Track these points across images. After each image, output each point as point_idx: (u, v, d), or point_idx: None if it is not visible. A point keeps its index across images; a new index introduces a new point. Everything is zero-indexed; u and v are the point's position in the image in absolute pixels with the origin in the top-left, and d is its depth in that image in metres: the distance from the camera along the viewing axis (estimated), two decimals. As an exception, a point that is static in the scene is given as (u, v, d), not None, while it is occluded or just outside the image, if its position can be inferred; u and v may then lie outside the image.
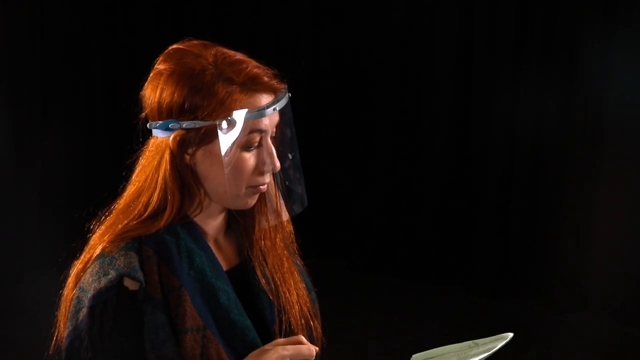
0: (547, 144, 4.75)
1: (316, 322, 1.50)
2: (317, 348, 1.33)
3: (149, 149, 1.38)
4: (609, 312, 4.52)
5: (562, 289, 4.69)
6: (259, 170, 1.36)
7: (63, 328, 1.36)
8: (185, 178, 1.35)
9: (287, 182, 1.43)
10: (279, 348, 1.30)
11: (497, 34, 4.84)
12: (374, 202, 5.38)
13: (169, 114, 1.33)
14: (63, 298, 1.39)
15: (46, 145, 5.27)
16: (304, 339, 1.33)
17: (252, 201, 1.39)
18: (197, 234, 1.38)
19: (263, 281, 1.44)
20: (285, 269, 1.48)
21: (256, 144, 1.35)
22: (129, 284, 1.31)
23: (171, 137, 1.33)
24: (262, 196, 1.41)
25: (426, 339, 4.34)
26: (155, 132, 1.36)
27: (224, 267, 1.41)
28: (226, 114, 1.31)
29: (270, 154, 1.36)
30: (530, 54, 4.74)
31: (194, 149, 1.34)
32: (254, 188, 1.37)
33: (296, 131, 1.42)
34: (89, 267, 1.34)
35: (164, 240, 1.34)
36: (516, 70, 4.79)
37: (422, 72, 5.15)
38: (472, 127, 5.00)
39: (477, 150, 4.97)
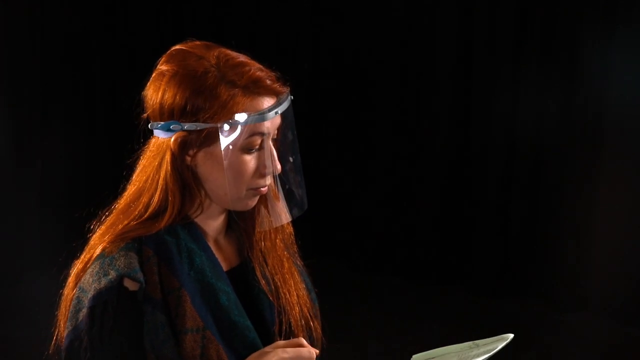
0: (547, 144, 4.75)
1: (316, 323, 1.50)
2: (317, 351, 1.33)
3: (150, 149, 1.38)
4: (609, 312, 4.52)
5: (562, 289, 4.69)
6: (259, 172, 1.36)
7: (63, 328, 1.37)
8: (185, 179, 1.35)
9: (287, 185, 1.43)
10: (279, 350, 1.30)
11: (497, 34, 4.83)
12: (374, 202, 5.38)
13: (170, 115, 1.33)
14: (63, 298, 1.39)
15: (46, 145, 5.26)
16: (304, 341, 1.33)
17: (253, 203, 1.39)
18: (198, 234, 1.38)
19: (263, 282, 1.44)
20: (286, 270, 1.48)
21: (257, 147, 1.35)
22: (129, 284, 1.31)
23: (172, 138, 1.33)
24: (263, 198, 1.42)
25: (426, 339, 4.34)
26: (156, 132, 1.36)
27: (224, 268, 1.41)
28: (228, 116, 1.31)
29: (271, 156, 1.36)
30: (530, 54, 4.74)
31: (195, 150, 1.34)
32: (254, 190, 1.37)
33: (297, 133, 1.42)
34: (89, 267, 1.34)
35: (164, 240, 1.35)
36: (516, 70, 4.79)
37: (422, 72, 5.15)
38: (472, 127, 5.00)
39: (477, 150, 4.97)
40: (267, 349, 1.32)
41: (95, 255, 1.35)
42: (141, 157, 1.40)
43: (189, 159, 1.35)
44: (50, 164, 5.28)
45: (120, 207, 1.39)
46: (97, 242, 1.36)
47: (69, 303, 1.35)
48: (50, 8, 5.24)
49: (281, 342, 1.33)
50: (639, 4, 4.40)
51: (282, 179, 1.43)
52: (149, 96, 1.37)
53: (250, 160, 1.35)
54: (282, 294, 1.45)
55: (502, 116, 4.84)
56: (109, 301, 1.29)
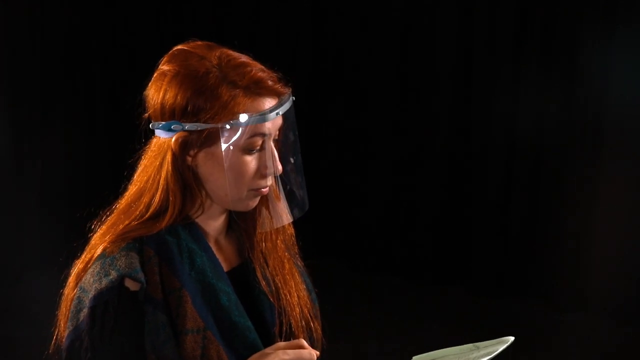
0: (547, 144, 4.75)
1: (316, 324, 1.50)
2: (317, 352, 1.33)
3: (152, 149, 1.38)
4: (609, 312, 4.52)
5: (562, 289, 4.68)
6: (260, 173, 1.36)
7: (63, 328, 1.36)
8: (186, 179, 1.35)
9: (288, 186, 1.43)
10: (280, 352, 1.30)
11: (497, 34, 4.83)
12: (374, 202, 5.38)
13: (171, 115, 1.33)
14: (63, 298, 1.39)
15: (46, 145, 5.26)
16: (305, 343, 1.33)
17: (254, 203, 1.39)
18: (199, 234, 1.38)
19: (263, 283, 1.44)
20: (286, 271, 1.48)
21: (258, 147, 1.34)
22: (130, 284, 1.30)
23: (173, 139, 1.33)
24: (264, 198, 1.41)
25: (426, 339, 4.34)
26: (157, 132, 1.36)
27: (225, 268, 1.41)
28: (229, 117, 1.31)
29: (273, 157, 1.36)
30: (530, 54, 4.74)
31: (195, 150, 1.34)
32: (255, 191, 1.37)
33: (298, 134, 1.42)
34: (90, 267, 1.34)
35: (165, 240, 1.34)
36: (516, 70, 4.79)
37: (422, 72, 5.14)
38: (472, 127, 5.00)
39: (477, 150, 4.97)
40: (267, 350, 1.32)
41: (96, 255, 1.35)
42: (142, 157, 1.39)
43: (189, 159, 1.35)
44: (50, 164, 5.28)
45: (121, 207, 1.39)
46: (98, 242, 1.36)
47: (69, 303, 1.35)
48: (50, 8, 5.24)
49: (282, 344, 1.33)
50: (639, 4, 4.40)
51: (283, 179, 1.42)
52: (150, 96, 1.37)
53: (251, 160, 1.34)
54: (283, 295, 1.45)
55: (502, 116, 4.84)
56: (110, 301, 1.29)
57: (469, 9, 4.94)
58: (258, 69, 1.35)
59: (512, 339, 1.35)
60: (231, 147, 1.32)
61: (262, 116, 1.32)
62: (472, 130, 5.00)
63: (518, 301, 4.82)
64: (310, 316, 1.49)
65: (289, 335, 1.44)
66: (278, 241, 1.47)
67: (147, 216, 1.35)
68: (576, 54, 4.57)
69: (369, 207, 5.40)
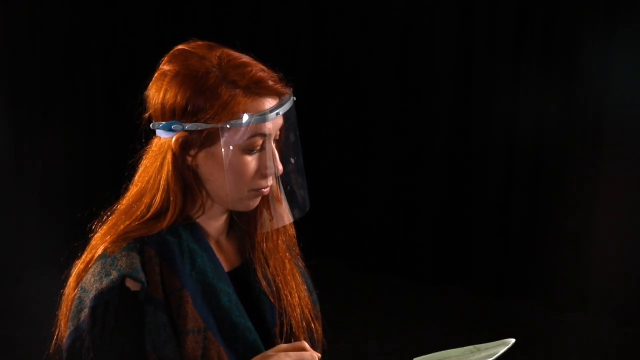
0: (547, 144, 4.75)
1: (317, 325, 1.50)
2: (319, 355, 1.33)
3: (152, 149, 1.38)
4: (609, 312, 4.52)
5: (562, 289, 4.68)
6: (261, 173, 1.35)
7: (64, 328, 1.36)
8: (187, 179, 1.35)
9: (289, 186, 1.43)
10: (282, 354, 1.29)
11: (497, 34, 4.83)
12: (374, 202, 5.38)
13: (172, 115, 1.33)
14: (64, 297, 1.39)
15: (46, 145, 5.26)
16: (307, 345, 1.32)
17: (254, 203, 1.39)
18: (199, 235, 1.38)
19: (264, 283, 1.44)
20: (287, 271, 1.47)
21: (258, 148, 1.34)
22: (130, 284, 1.30)
23: (173, 139, 1.33)
24: (265, 199, 1.41)
25: (426, 339, 4.34)
26: (158, 132, 1.36)
27: (226, 268, 1.41)
28: (229, 117, 1.31)
29: (273, 157, 1.35)
30: (530, 54, 4.74)
31: (196, 150, 1.34)
32: (256, 191, 1.37)
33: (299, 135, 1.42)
34: (90, 267, 1.34)
35: (166, 241, 1.34)
36: (516, 70, 4.79)
37: (422, 72, 5.14)
38: (472, 127, 5.00)
39: (477, 150, 4.97)
40: (269, 352, 1.32)
41: (97, 255, 1.34)
42: (143, 157, 1.39)
43: (190, 159, 1.35)
44: (50, 164, 5.28)
45: (122, 207, 1.39)
46: (99, 242, 1.36)
47: (70, 303, 1.35)
48: (50, 8, 5.24)
49: (283, 346, 1.33)
50: (639, 4, 4.40)
51: (284, 179, 1.42)
52: (151, 96, 1.37)
53: (252, 161, 1.34)
54: (284, 296, 1.45)
55: (502, 116, 4.84)
56: (111, 301, 1.29)
57: (469, 9, 4.94)
58: (258, 69, 1.34)
59: (513, 340, 1.34)
60: (231, 147, 1.32)
61: (262, 116, 1.32)
62: (472, 130, 5.00)
63: (518, 301, 4.82)
64: (311, 317, 1.49)
65: (290, 336, 1.43)
66: (279, 241, 1.47)
67: (148, 216, 1.35)
68: (576, 54, 4.57)
69: (369, 207, 5.39)
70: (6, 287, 4.82)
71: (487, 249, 4.96)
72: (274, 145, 1.36)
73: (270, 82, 1.34)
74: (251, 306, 1.41)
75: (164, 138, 1.35)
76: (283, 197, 1.43)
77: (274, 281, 1.45)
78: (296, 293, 1.47)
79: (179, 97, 1.32)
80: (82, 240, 1.41)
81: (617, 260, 4.50)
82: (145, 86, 1.39)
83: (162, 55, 1.39)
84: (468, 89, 5.00)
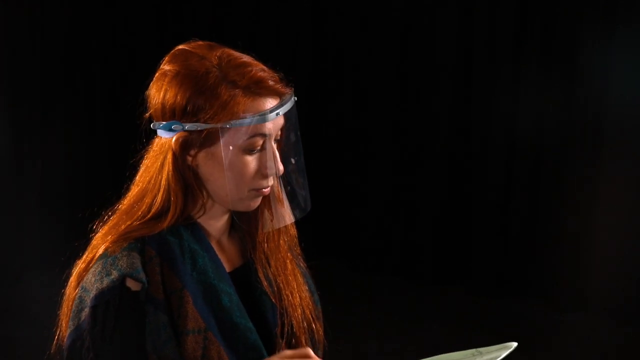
0: (547, 144, 4.75)
1: (318, 325, 1.50)
2: None
3: (153, 149, 1.38)
4: (609, 312, 4.52)
5: (562, 289, 4.69)
6: (261, 173, 1.35)
7: (65, 327, 1.36)
8: (187, 179, 1.35)
9: (290, 186, 1.43)
10: None
11: (497, 34, 4.83)
12: (374, 202, 5.38)
13: (172, 115, 1.33)
14: (65, 297, 1.39)
15: (46, 145, 5.26)
16: (311, 352, 1.32)
17: (255, 204, 1.39)
18: (201, 235, 1.38)
19: (265, 283, 1.44)
20: (289, 272, 1.47)
21: (259, 148, 1.34)
22: (131, 284, 1.30)
23: (174, 139, 1.33)
24: (266, 199, 1.41)
25: (426, 339, 4.34)
26: (159, 132, 1.36)
27: (227, 269, 1.41)
28: (228, 117, 1.31)
29: (274, 157, 1.35)
30: (530, 54, 4.74)
31: (196, 150, 1.34)
32: (256, 191, 1.36)
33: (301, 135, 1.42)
34: (91, 267, 1.34)
35: (167, 241, 1.34)
36: (516, 70, 4.79)
37: (422, 72, 5.14)
38: (472, 127, 5.00)
39: (477, 150, 4.97)
40: (273, 357, 1.32)
41: (98, 255, 1.34)
42: (145, 157, 1.39)
43: (190, 159, 1.34)
44: (50, 164, 5.28)
45: (123, 207, 1.39)
46: (100, 242, 1.36)
47: (71, 302, 1.35)
48: (50, 8, 5.24)
49: (288, 352, 1.33)
50: (639, 4, 4.40)
51: (285, 180, 1.42)
52: (151, 96, 1.37)
53: (252, 161, 1.34)
54: (285, 296, 1.45)
55: (502, 116, 4.84)
56: (111, 301, 1.29)
57: (469, 9, 4.94)
58: (259, 69, 1.34)
59: (515, 344, 1.33)
60: (231, 147, 1.32)
61: (262, 116, 1.31)
62: (472, 130, 5.00)
63: (518, 301, 4.82)
64: (312, 317, 1.49)
65: (291, 336, 1.43)
66: (281, 242, 1.47)
67: (149, 216, 1.35)
68: (576, 54, 4.57)
69: (369, 207, 5.39)
70: (6, 287, 4.82)
71: (487, 249, 4.96)
72: (274, 146, 1.36)
73: (271, 82, 1.34)
74: (252, 306, 1.40)
75: (165, 138, 1.35)
76: (284, 197, 1.42)
77: (275, 281, 1.45)
78: (297, 293, 1.47)
79: (179, 97, 1.32)
80: (84, 240, 1.41)
81: (617, 260, 4.50)
82: (145, 86, 1.39)
83: (162, 56, 1.40)
84: (468, 89, 5.00)
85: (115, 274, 1.30)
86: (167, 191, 1.35)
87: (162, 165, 1.35)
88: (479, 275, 5.00)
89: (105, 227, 1.38)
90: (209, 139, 1.32)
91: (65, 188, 5.37)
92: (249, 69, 1.33)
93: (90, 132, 5.62)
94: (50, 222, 5.14)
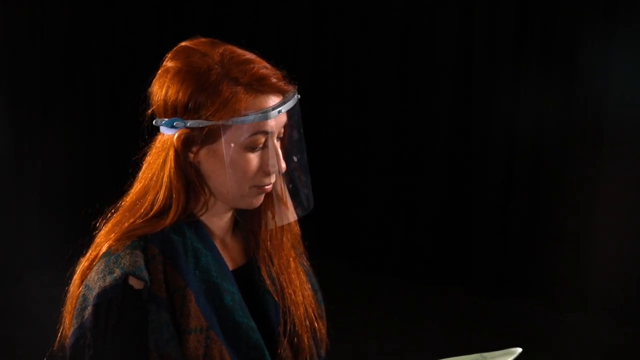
0: (547, 144, 4.75)
1: (321, 324, 1.50)
2: None
3: (156, 145, 1.38)
4: (609, 312, 4.52)
5: (562, 289, 4.69)
6: (263, 171, 1.35)
7: (68, 325, 1.36)
8: (189, 176, 1.35)
9: (293, 184, 1.42)
10: None
11: (497, 34, 4.84)
12: (374, 202, 5.38)
13: (174, 112, 1.33)
14: (69, 295, 1.38)
15: (46, 145, 5.26)
16: None
17: (257, 201, 1.38)
18: (204, 233, 1.38)
19: (268, 282, 1.43)
20: (292, 270, 1.47)
21: (261, 145, 1.34)
22: (134, 282, 1.30)
23: (175, 135, 1.33)
24: (269, 196, 1.40)
25: (426, 339, 4.34)
26: (161, 129, 1.36)
27: (230, 267, 1.40)
28: (230, 114, 1.30)
29: (276, 155, 1.35)
30: (530, 54, 4.74)
31: (197, 147, 1.33)
32: (258, 188, 1.36)
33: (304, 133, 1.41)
34: (95, 265, 1.34)
35: (170, 239, 1.34)
36: (516, 70, 4.79)
37: (422, 72, 5.15)
38: (472, 127, 5.00)
39: (477, 150, 4.97)
40: None
41: (101, 253, 1.34)
42: (147, 154, 1.39)
43: (192, 156, 1.34)
44: (50, 164, 5.28)
45: (126, 204, 1.39)
46: (104, 240, 1.36)
47: (74, 300, 1.35)
48: (50, 8, 5.24)
49: None
50: (639, 4, 4.40)
51: (288, 177, 1.42)
52: (154, 92, 1.37)
53: (254, 158, 1.34)
54: (288, 294, 1.44)
55: (502, 116, 4.84)
56: (114, 299, 1.29)
57: (469, 9, 4.94)
58: (261, 66, 1.34)
59: (519, 350, 1.32)
60: (232, 145, 1.31)
61: (264, 114, 1.31)
62: (472, 130, 5.00)
63: (518, 301, 4.82)
64: (315, 316, 1.48)
65: (293, 335, 1.43)
66: (284, 240, 1.47)
67: (151, 214, 1.35)
68: (576, 54, 4.57)
69: (369, 207, 5.39)
70: (6, 287, 4.82)
71: (487, 249, 4.96)
72: (277, 143, 1.36)
73: (273, 80, 1.33)
74: (255, 305, 1.40)
75: (167, 135, 1.35)
76: (287, 195, 1.42)
77: (278, 279, 1.45)
78: (300, 292, 1.47)
79: (180, 94, 1.32)
80: (87, 238, 1.41)
81: (617, 260, 4.50)
82: (145, 86, 1.39)
83: (162, 56, 1.39)
84: (468, 89, 5.00)
85: (118, 272, 1.30)
86: (169, 188, 1.34)
87: (164, 162, 1.35)
88: (479, 275, 5.00)
89: (109, 225, 1.38)
90: (210, 136, 1.32)
91: (65, 188, 5.37)
92: (252, 66, 1.33)
93: (90, 132, 5.62)
94: (50, 222, 5.14)
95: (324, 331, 1.50)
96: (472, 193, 5.03)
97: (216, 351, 1.31)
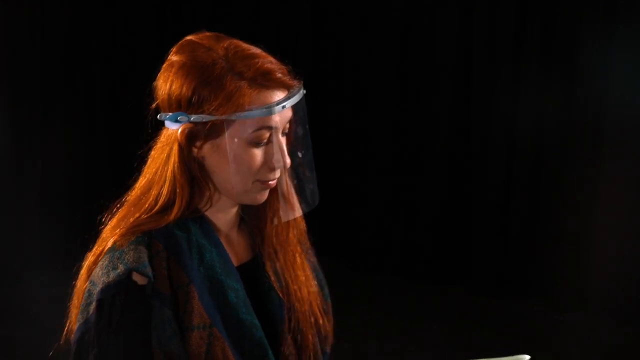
0: (547, 144, 4.75)
1: (325, 320, 1.50)
2: None
3: (161, 140, 1.37)
4: (609, 312, 4.52)
5: (562, 289, 4.69)
6: (268, 166, 1.34)
7: (74, 319, 1.36)
8: (193, 171, 1.34)
9: (298, 180, 1.42)
10: None
11: (497, 34, 4.84)
12: (374, 202, 5.38)
13: (178, 106, 1.33)
14: (76, 289, 1.38)
15: (46, 145, 5.26)
16: None
17: (262, 197, 1.38)
18: (209, 229, 1.37)
19: (273, 278, 1.43)
20: (297, 266, 1.47)
21: (265, 140, 1.33)
22: (137, 278, 1.30)
23: (179, 130, 1.32)
24: (274, 192, 1.40)
25: (426, 339, 4.34)
26: (166, 123, 1.36)
27: (235, 263, 1.40)
28: (234, 108, 1.29)
29: (281, 150, 1.34)
30: (530, 54, 4.74)
31: (201, 142, 1.33)
32: (262, 183, 1.35)
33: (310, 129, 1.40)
34: (100, 260, 1.34)
35: (174, 235, 1.34)
36: (516, 70, 4.79)
37: (422, 72, 5.14)
38: (472, 127, 5.00)
39: (477, 150, 4.97)
40: None
41: (107, 248, 1.34)
42: (153, 149, 1.39)
43: (196, 150, 1.34)
44: (50, 164, 5.28)
45: (131, 199, 1.38)
46: (109, 235, 1.36)
47: (81, 295, 1.35)
48: (50, 8, 5.24)
49: None
50: (639, 4, 4.40)
51: (293, 173, 1.41)
52: (158, 87, 1.36)
53: (259, 153, 1.33)
54: (293, 291, 1.44)
55: (502, 116, 4.84)
56: (117, 295, 1.29)
57: (469, 9, 4.94)
58: (266, 61, 1.33)
59: (527, 357, 1.31)
60: (236, 140, 1.31)
61: (268, 109, 1.30)
62: (472, 130, 5.00)
63: (518, 301, 4.82)
64: (320, 312, 1.48)
65: (297, 332, 1.43)
66: (290, 235, 1.46)
67: (156, 209, 1.34)
68: (576, 54, 4.57)
69: (369, 207, 5.39)
70: (6, 287, 4.82)
71: (487, 249, 4.96)
72: (282, 139, 1.35)
73: (278, 75, 1.33)
74: (260, 302, 1.40)
75: (171, 129, 1.34)
76: (292, 190, 1.42)
77: (284, 276, 1.44)
78: (305, 288, 1.46)
79: (184, 88, 1.31)
80: (93, 232, 1.41)
81: (617, 260, 4.50)
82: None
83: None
84: (468, 89, 5.00)
85: (121, 268, 1.29)
86: (173, 183, 1.34)
87: (168, 156, 1.34)
88: (479, 275, 5.00)
89: (114, 220, 1.38)
90: (214, 131, 1.31)
91: (65, 188, 5.37)
92: (256, 60, 1.32)
93: (90, 132, 5.62)
94: (50, 222, 5.14)
95: (329, 328, 1.50)
96: (472, 193, 5.03)
97: (219, 348, 1.31)
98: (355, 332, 4.37)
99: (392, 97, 5.26)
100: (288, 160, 1.35)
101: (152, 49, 5.32)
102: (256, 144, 1.32)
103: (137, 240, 1.32)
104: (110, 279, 1.29)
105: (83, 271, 1.37)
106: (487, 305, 4.81)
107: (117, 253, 1.31)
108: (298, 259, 1.47)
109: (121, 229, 1.34)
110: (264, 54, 1.36)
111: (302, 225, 1.50)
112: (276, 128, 1.33)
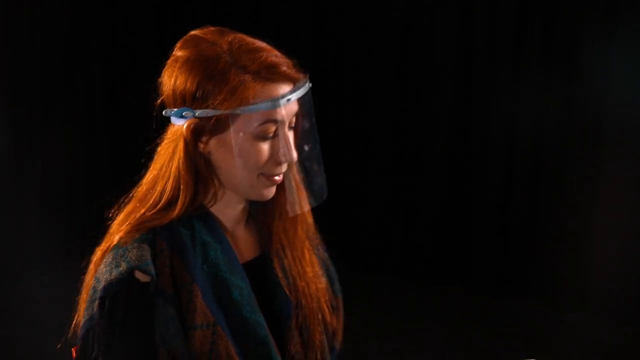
0: (547, 144, 4.75)
1: (333, 317, 1.49)
2: None
3: (167, 136, 1.36)
4: (609, 312, 4.52)
5: (562, 289, 4.69)
6: (274, 160, 1.33)
7: (81, 314, 1.36)
8: (199, 167, 1.33)
9: (305, 174, 1.41)
10: None
11: (497, 34, 4.83)
12: (374, 202, 5.37)
13: (183, 101, 1.32)
14: (84, 284, 1.38)
15: (46, 145, 5.26)
16: None
17: (269, 193, 1.37)
18: (214, 225, 1.37)
19: (281, 275, 1.42)
20: (306, 262, 1.46)
21: (271, 134, 1.32)
22: (140, 276, 1.29)
23: (185, 126, 1.31)
24: (282, 187, 1.39)
25: (426, 339, 4.34)
26: (171, 119, 1.35)
27: (242, 260, 1.39)
28: (238, 102, 1.28)
29: (287, 144, 1.33)
30: (530, 54, 4.74)
31: (207, 137, 1.32)
32: (267, 178, 1.34)
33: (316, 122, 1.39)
34: (105, 256, 1.34)
35: (178, 232, 1.33)
36: (516, 70, 4.79)
37: (422, 72, 5.14)
38: (472, 127, 5.00)
39: (477, 150, 4.97)
40: None
41: (112, 244, 1.34)
42: (160, 144, 1.38)
43: (201, 146, 1.33)
44: (50, 164, 5.28)
45: (138, 194, 1.38)
46: (116, 230, 1.35)
47: (88, 290, 1.34)
48: (50, 8, 5.24)
49: None
50: (639, 4, 4.40)
51: (300, 167, 1.40)
52: (163, 82, 1.36)
53: (265, 147, 1.32)
54: (300, 287, 1.43)
55: (502, 116, 4.84)
56: (119, 293, 1.28)
57: (469, 9, 4.94)
58: (271, 54, 1.32)
59: None
60: (241, 134, 1.29)
61: (273, 102, 1.29)
62: (472, 130, 5.00)
63: (518, 301, 4.82)
64: (328, 308, 1.48)
65: (304, 330, 1.42)
66: (298, 231, 1.45)
67: (160, 205, 1.34)
68: (576, 54, 4.57)
69: (369, 207, 5.39)
70: (6, 287, 4.82)
71: (487, 249, 4.96)
72: (288, 133, 1.34)
73: (284, 68, 1.32)
74: (266, 299, 1.39)
75: (177, 125, 1.33)
76: (300, 184, 1.41)
77: (291, 272, 1.43)
78: (314, 284, 1.46)
79: (189, 83, 1.31)
80: (102, 227, 1.40)
81: (617, 260, 4.50)
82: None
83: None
84: (468, 89, 5.00)
85: (124, 266, 1.29)
86: (177, 179, 1.33)
87: (174, 152, 1.33)
88: (479, 275, 5.00)
89: (121, 215, 1.37)
90: (219, 126, 1.30)
91: (65, 188, 5.36)
92: (261, 54, 1.31)
93: (90, 132, 5.62)
94: (50, 222, 5.14)
95: (334, 324, 1.50)
96: (472, 193, 5.03)
97: (222, 347, 1.30)
98: (355, 332, 4.35)
99: (392, 97, 5.26)
100: (294, 154, 1.34)
101: (152, 49, 5.32)
102: (262, 138, 1.31)
103: (141, 238, 1.32)
104: (113, 276, 1.29)
105: (91, 266, 1.37)
106: (487, 305, 4.81)
107: (120, 251, 1.31)
108: (307, 255, 1.46)
109: (127, 225, 1.34)
110: (268, 47, 1.35)
111: (311, 220, 1.49)
112: (282, 121, 1.32)
